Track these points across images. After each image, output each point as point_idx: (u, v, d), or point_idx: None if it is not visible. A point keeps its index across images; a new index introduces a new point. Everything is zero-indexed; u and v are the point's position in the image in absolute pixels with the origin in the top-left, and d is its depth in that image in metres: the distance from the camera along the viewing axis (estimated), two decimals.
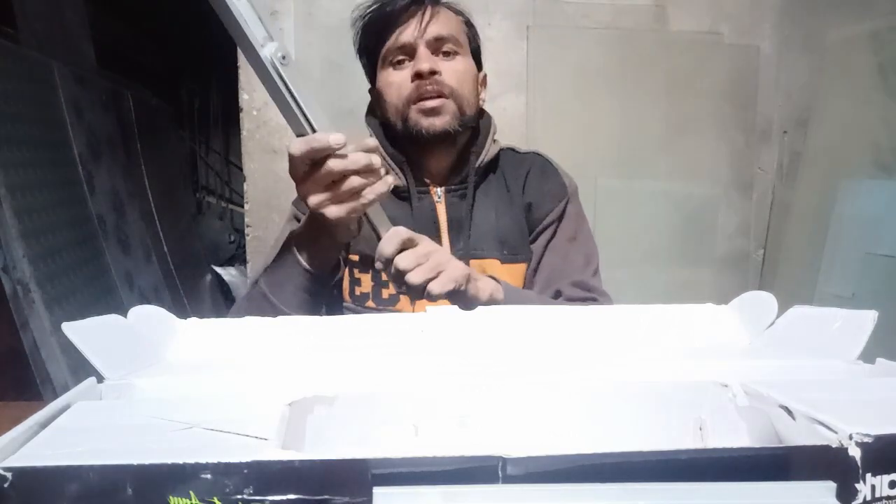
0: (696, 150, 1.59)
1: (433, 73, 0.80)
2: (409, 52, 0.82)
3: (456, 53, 0.84)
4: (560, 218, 0.89)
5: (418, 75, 0.80)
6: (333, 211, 0.64)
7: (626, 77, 1.55)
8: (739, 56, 1.59)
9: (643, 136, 1.57)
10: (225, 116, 3.73)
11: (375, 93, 0.89)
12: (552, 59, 1.53)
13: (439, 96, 0.81)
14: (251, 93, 1.47)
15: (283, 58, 0.59)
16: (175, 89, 3.56)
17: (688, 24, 1.57)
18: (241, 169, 1.58)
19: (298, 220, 0.87)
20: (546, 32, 1.53)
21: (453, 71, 0.82)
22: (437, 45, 0.82)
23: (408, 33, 0.81)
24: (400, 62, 0.83)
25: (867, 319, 0.40)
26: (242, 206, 1.68)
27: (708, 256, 1.64)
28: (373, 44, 0.86)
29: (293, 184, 0.67)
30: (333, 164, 0.62)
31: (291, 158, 0.63)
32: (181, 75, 3.60)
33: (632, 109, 1.56)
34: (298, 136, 0.63)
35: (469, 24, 0.88)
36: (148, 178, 2.61)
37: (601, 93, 1.55)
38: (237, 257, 3.51)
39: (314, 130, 0.62)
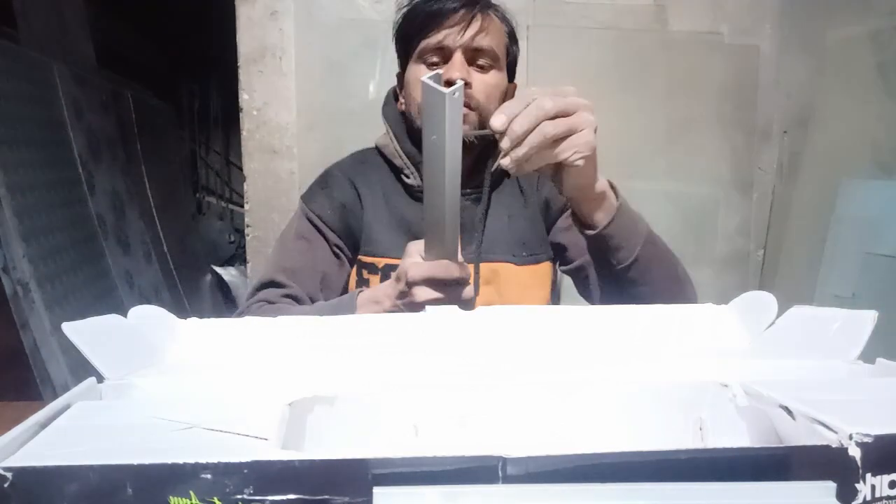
0: (696, 150, 1.59)
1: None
2: (446, 55, 0.81)
3: (491, 67, 0.82)
4: None
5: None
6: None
7: (626, 77, 1.55)
8: (739, 56, 1.58)
9: (643, 136, 1.56)
10: (225, 116, 3.73)
11: (402, 80, 0.88)
12: (552, 59, 1.53)
13: (464, 107, 0.79)
14: (251, 93, 1.47)
15: None
16: (175, 89, 3.56)
17: (688, 24, 1.57)
18: (241, 169, 1.57)
19: (308, 219, 0.88)
20: (546, 32, 1.53)
21: (484, 84, 0.81)
22: (473, 56, 0.81)
23: (449, 38, 0.80)
24: (434, 63, 0.82)
25: (867, 319, 0.40)
26: (242, 206, 1.68)
27: (708, 256, 1.64)
28: (411, 34, 0.84)
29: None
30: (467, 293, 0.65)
31: (430, 272, 0.64)
32: (181, 75, 3.60)
33: (631, 109, 1.55)
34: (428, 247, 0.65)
35: (511, 35, 0.87)
36: (148, 178, 2.61)
37: (601, 93, 1.55)
38: (237, 257, 3.52)
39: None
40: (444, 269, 0.64)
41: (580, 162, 0.61)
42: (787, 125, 1.61)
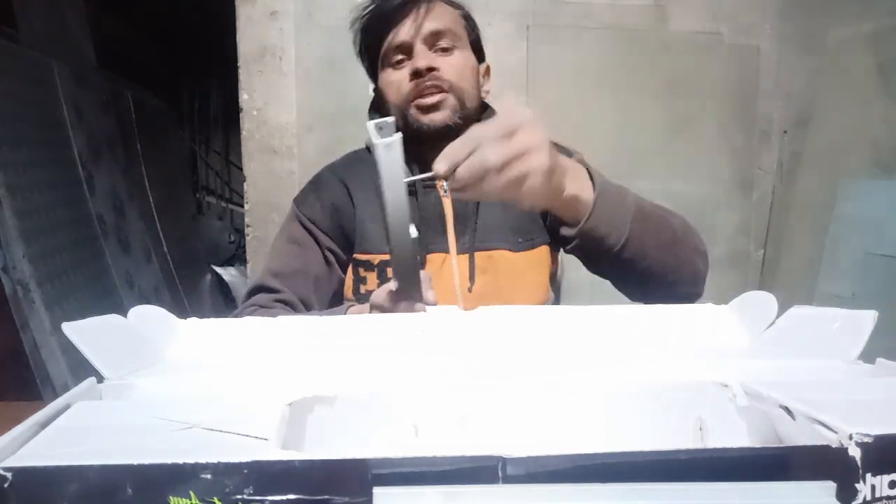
0: (696, 150, 1.59)
1: (430, 69, 0.81)
2: (407, 50, 0.83)
3: (454, 48, 0.84)
4: None
5: (416, 73, 0.81)
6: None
7: (626, 77, 1.55)
8: (739, 56, 1.58)
9: (643, 136, 1.56)
10: (225, 116, 3.73)
11: (378, 91, 0.90)
12: (552, 59, 1.53)
13: (439, 91, 0.81)
14: (251, 93, 1.47)
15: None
16: (175, 89, 3.56)
17: (688, 24, 1.57)
18: (241, 169, 1.57)
19: (300, 222, 0.88)
20: (546, 32, 1.53)
21: (451, 66, 0.83)
22: (433, 41, 0.83)
23: (404, 32, 0.82)
24: (399, 62, 0.84)
25: (867, 319, 0.40)
26: (242, 206, 1.68)
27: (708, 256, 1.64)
28: (372, 45, 0.86)
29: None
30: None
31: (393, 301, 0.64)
32: (181, 75, 3.60)
33: (632, 109, 1.55)
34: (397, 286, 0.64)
35: (467, 17, 0.89)
36: (148, 178, 2.61)
37: (601, 93, 1.55)
38: (237, 257, 3.51)
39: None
40: (383, 299, 0.65)
41: (528, 205, 0.60)
42: (787, 125, 1.61)
